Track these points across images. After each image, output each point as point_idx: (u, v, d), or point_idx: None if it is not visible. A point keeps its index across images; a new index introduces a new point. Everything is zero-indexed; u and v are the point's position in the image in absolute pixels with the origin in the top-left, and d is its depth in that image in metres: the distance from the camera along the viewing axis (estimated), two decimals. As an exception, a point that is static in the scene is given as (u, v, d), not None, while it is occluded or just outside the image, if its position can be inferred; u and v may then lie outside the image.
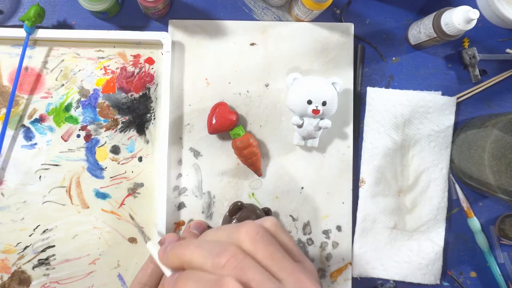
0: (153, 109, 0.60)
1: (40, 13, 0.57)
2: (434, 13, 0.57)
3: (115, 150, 0.59)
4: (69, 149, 0.59)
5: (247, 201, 0.60)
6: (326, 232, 0.60)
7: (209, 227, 0.58)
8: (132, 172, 0.59)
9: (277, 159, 0.61)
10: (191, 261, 0.34)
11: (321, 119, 0.57)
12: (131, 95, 0.60)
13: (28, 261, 0.57)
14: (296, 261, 0.34)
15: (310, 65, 0.62)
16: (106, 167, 0.59)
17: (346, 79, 0.62)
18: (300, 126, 0.57)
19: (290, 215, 0.60)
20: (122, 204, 0.59)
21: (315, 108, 0.55)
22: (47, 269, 0.57)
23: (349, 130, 0.61)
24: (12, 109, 0.59)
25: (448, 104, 0.62)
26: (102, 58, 0.60)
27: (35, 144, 0.59)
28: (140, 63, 0.61)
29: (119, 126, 0.60)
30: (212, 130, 0.58)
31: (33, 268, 0.57)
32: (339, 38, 0.62)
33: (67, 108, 0.60)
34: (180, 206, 0.60)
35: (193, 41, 0.61)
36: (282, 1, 0.61)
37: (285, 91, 0.61)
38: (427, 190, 0.61)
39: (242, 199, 0.60)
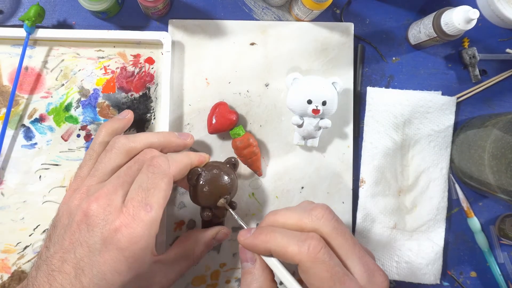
0: (153, 109, 0.60)
1: (40, 13, 0.57)
2: (434, 13, 0.57)
3: (115, 150, 0.59)
4: (69, 149, 0.59)
5: (247, 201, 0.60)
6: (326, 232, 0.60)
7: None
8: (132, 172, 0.59)
9: (277, 159, 0.61)
10: (276, 248, 0.38)
11: (321, 118, 0.57)
12: (131, 95, 0.60)
13: (28, 261, 0.57)
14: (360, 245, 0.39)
15: (310, 65, 0.62)
16: (106, 167, 0.59)
17: (346, 79, 0.62)
18: (300, 126, 0.57)
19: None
20: (122, 204, 0.59)
21: (315, 107, 0.55)
22: (47, 269, 0.57)
23: (349, 130, 0.61)
24: (12, 109, 0.59)
25: (448, 104, 0.62)
26: (102, 58, 0.60)
27: (35, 143, 0.59)
28: (140, 63, 0.61)
29: (119, 126, 0.60)
30: (212, 130, 0.58)
31: (33, 268, 0.57)
32: (339, 38, 0.62)
33: (67, 107, 0.60)
34: (180, 205, 0.60)
35: (193, 41, 0.61)
36: (282, 1, 0.61)
37: (285, 91, 0.61)
38: (427, 190, 0.61)
39: (242, 199, 0.60)
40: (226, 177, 0.50)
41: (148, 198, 0.39)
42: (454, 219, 0.62)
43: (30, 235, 0.58)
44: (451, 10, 0.54)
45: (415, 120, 0.62)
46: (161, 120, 0.58)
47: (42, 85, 0.60)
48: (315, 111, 0.56)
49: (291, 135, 0.61)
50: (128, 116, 0.52)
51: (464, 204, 0.62)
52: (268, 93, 0.61)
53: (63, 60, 0.60)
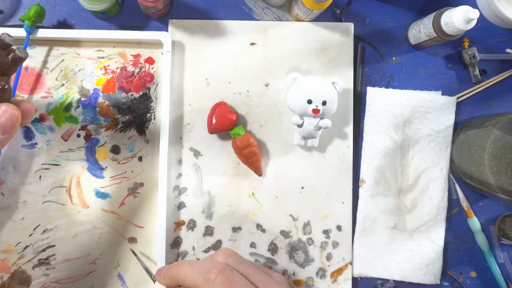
0: (153, 109, 0.60)
1: (40, 13, 0.57)
2: (434, 13, 0.57)
3: (115, 149, 0.59)
4: (69, 149, 0.59)
5: (247, 201, 0.60)
6: (326, 232, 0.60)
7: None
8: (132, 171, 0.59)
9: (277, 159, 0.61)
10: (185, 279, 0.40)
11: (321, 118, 0.57)
12: (131, 95, 0.60)
13: (28, 261, 0.57)
14: (267, 274, 0.42)
15: (310, 65, 0.62)
16: (106, 167, 0.59)
17: (346, 79, 0.62)
18: (300, 125, 0.57)
19: (290, 215, 0.60)
20: (122, 204, 0.59)
21: (315, 107, 0.55)
22: (47, 269, 0.57)
23: (349, 130, 0.61)
24: (12, 109, 0.58)
25: (448, 104, 0.62)
26: (102, 58, 0.60)
27: (35, 143, 0.59)
28: (140, 62, 0.61)
29: (119, 126, 0.60)
30: (212, 130, 0.58)
31: (33, 268, 0.57)
32: (339, 38, 0.62)
33: (67, 107, 0.60)
34: (180, 206, 0.60)
35: (193, 41, 0.61)
36: (282, 1, 0.61)
37: (285, 90, 0.61)
38: (427, 190, 0.61)
39: (242, 199, 0.60)
40: None
41: None
42: (454, 219, 0.62)
43: (30, 235, 0.58)
44: (451, 10, 0.54)
45: (415, 120, 0.62)
46: (161, 120, 0.58)
47: (42, 85, 0.60)
48: (315, 111, 0.56)
49: (291, 135, 0.61)
50: None
51: (464, 204, 0.62)
52: (268, 93, 0.61)
53: (63, 60, 0.60)
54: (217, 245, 0.60)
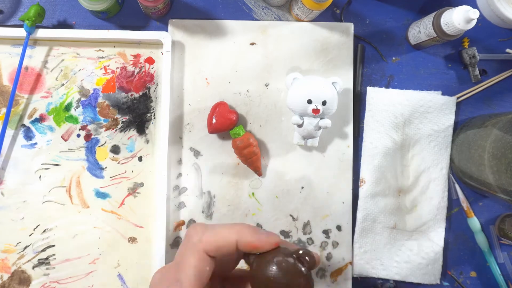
0: (153, 109, 0.60)
1: (40, 13, 0.57)
2: (434, 13, 0.57)
3: (115, 149, 0.59)
4: (69, 149, 0.59)
5: (247, 201, 0.60)
6: (326, 232, 0.60)
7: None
8: (132, 171, 0.59)
9: (277, 158, 0.61)
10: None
11: (321, 118, 0.57)
12: (131, 95, 0.60)
13: (28, 260, 0.57)
14: None
15: (310, 65, 0.62)
16: (106, 167, 0.59)
17: (346, 79, 0.62)
18: (300, 125, 0.57)
19: (290, 215, 0.60)
20: (122, 203, 0.59)
21: (315, 107, 0.55)
22: (47, 268, 0.57)
23: (349, 129, 0.61)
24: (12, 109, 0.59)
25: (448, 104, 0.62)
26: (102, 57, 0.60)
27: (35, 143, 0.59)
28: (140, 62, 0.61)
29: (119, 126, 0.60)
30: (212, 129, 0.58)
31: (33, 267, 0.57)
32: (339, 38, 0.62)
33: (67, 107, 0.60)
34: (180, 205, 0.60)
35: (193, 41, 0.61)
36: (282, 1, 0.61)
37: (285, 90, 0.61)
38: (427, 190, 0.61)
39: (242, 199, 0.60)
40: (301, 273, 0.33)
41: (178, 273, 0.34)
42: (454, 219, 0.62)
43: (30, 235, 0.58)
44: (451, 10, 0.54)
45: (415, 120, 0.62)
46: (161, 120, 0.58)
47: (42, 85, 0.60)
48: (315, 111, 0.56)
49: (291, 135, 0.61)
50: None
51: (464, 204, 0.62)
52: (268, 93, 0.61)
53: (63, 60, 0.60)
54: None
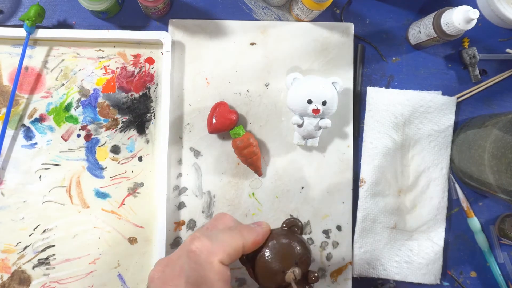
0: (153, 109, 0.60)
1: (40, 13, 0.57)
2: (434, 13, 0.57)
3: (115, 149, 0.59)
4: (69, 149, 0.59)
5: (247, 201, 0.60)
6: (326, 232, 0.60)
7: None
8: (132, 171, 0.59)
9: (277, 158, 0.61)
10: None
11: (321, 118, 0.57)
12: (131, 95, 0.60)
13: (28, 260, 0.57)
14: None
15: (310, 65, 0.62)
16: (106, 167, 0.59)
17: (346, 79, 0.62)
18: (300, 125, 0.57)
19: (290, 215, 0.60)
20: (122, 203, 0.59)
21: (315, 107, 0.55)
22: (47, 268, 0.57)
23: (349, 129, 0.61)
24: (12, 109, 0.59)
25: (448, 104, 0.62)
26: (102, 57, 0.60)
27: (35, 143, 0.59)
28: (140, 62, 0.61)
29: (119, 126, 0.60)
30: (212, 129, 0.58)
31: (33, 267, 0.57)
32: (339, 38, 0.62)
33: (67, 107, 0.60)
34: (180, 205, 0.60)
35: (193, 41, 0.61)
36: (282, 1, 0.61)
37: (285, 90, 0.61)
38: (427, 190, 0.61)
39: (242, 199, 0.60)
40: (290, 245, 0.38)
41: None
42: (454, 219, 0.62)
43: (30, 235, 0.58)
44: (451, 10, 0.54)
45: (415, 120, 0.62)
46: (161, 120, 0.58)
47: (42, 85, 0.60)
48: (315, 111, 0.56)
49: (291, 135, 0.61)
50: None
51: (464, 204, 0.62)
52: (268, 93, 0.61)
53: (63, 60, 0.60)
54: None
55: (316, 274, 0.38)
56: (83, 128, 0.59)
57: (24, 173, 0.58)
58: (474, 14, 0.52)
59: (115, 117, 0.60)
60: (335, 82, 0.57)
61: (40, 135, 0.59)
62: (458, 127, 0.63)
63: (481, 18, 0.64)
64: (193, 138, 0.61)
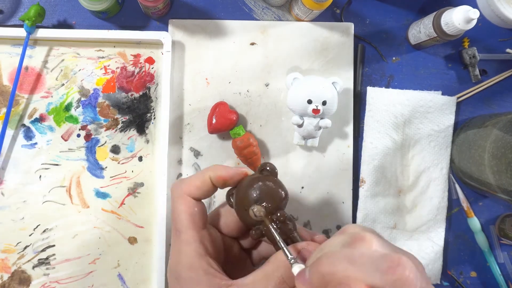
0: (153, 109, 0.60)
1: (40, 13, 0.57)
2: (434, 13, 0.57)
3: (115, 149, 0.59)
4: (69, 149, 0.59)
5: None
6: (326, 232, 0.60)
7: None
8: (132, 171, 0.59)
9: (277, 158, 0.61)
10: (348, 281, 0.26)
11: (321, 118, 0.57)
12: (131, 95, 0.60)
13: (28, 260, 0.57)
14: None
15: (310, 65, 0.62)
16: (106, 167, 0.59)
17: (346, 79, 0.62)
18: (300, 125, 0.57)
19: (290, 215, 0.60)
20: (122, 203, 0.59)
21: (315, 107, 0.55)
22: (47, 268, 0.57)
23: (349, 129, 0.61)
24: (12, 109, 0.59)
25: (448, 104, 0.62)
26: (102, 57, 0.60)
27: (35, 143, 0.59)
28: (140, 62, 0.61)
29: (119, 126, 0.60)
30: (212, 129, 0.58)
31: (33, 267, 0.57)
32: (339, 37, 0.62)
33: (67, 107, 0.60)
34: (180, 205, 0.60)
35: (193, 41, 0.61)
36: (282, 0, 0.61)
37: (285, 90, 0.61)
38: (427, 190, 0.61)
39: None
40: (257, 183, 0.39)
41: (175, 225, 0.38)
42: (454, 219, 0.62)
43: (30, 235, 0.58)
44: (451, 10, 0.54)
45: (415, 120, 0.62)
46: (161, 119, 0.58)
47: (42, 85, 0.60)
48: (315, 111, 0.56)
49: (291, 135, 0.61)
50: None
51: (464, 204, 0.62)
52: (268, 93, 0.61)
53: (63, 60, 0.60)
54: (217, 245, 0.59)
55: (284, 214, 0.39)
56: (83, 128, 0.59)
57: (24, 173, 0.58)
58: (474, 14, 0.52)
59: (115, 117, 0.60)
60: (335, 82, 0.57)
61: (40, 135, 0.59)
62: (458, 127, 0.63)
63: (481, 18, 0.64)
64: (193, 138, 0.61)
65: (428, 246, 0.60)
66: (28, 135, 0.59)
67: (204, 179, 0.39)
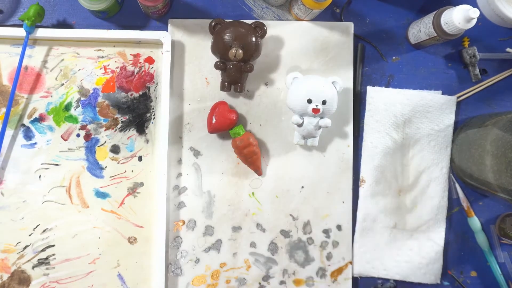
0: (153, 109, 0.60)
1: (39, 13, 0.57)
2: (434, 12, 0.57)
3: (115, 149, 0.59)
4: (69, 149, 0.59)
5: (247, 200, 0.60)
6: (326, 232, 0.60)
7: None
8: (132, 171, 0.59)
9: (277, 158, 0.61)
10: None
11: (321, 118, 0.57)
12: (131, 94, 0.60)
13: (28, 260, 0.57)
14: None
15: (310, 64, 0.62)
16: (106, 167, 0.59)
17: (346, 78, 0.61)
18: (300, 125, 0.57)
19: (290, 215, 0.60)
20: (122, 203, 0.59)
21: (315, 107, 0.55)
22: (47, 268, 0.57)
23: (349, 129, 0.61)
24: (12, 109, 0.58)
25: (448, 104, 0.62)
26: (102, 57, 0.60)
27: (35, 143, 0.59)
28: (140, 62, 0.61)
29: (119, 126, 0.60)
30: (212, 129, 0.58)
31: (33, 267, 0.57)
32: (339, 37, 0.62)
33: (67, 107, 0.60)
34: (180, 205, 0.60)
35: (193, 41, 0.61)
36: (282, 0, 0.61)
37: (285, 90, 0.61)
38: (427, 190, 0.61)
39: (242, 199, 0.60)
40: (242, 29, 0.55)
41: None
42: (455, 219, 0.62)
43: (30, 235, 0.58)
44: (451, 9, 0.54)
45: (415, 120, 0.62)
46: (161, 119, 0.58)
47: (42, 85, 0.60)
48: (315, 110, 0.56)
49: (291, 135, 0.61)
50: None
51: (465, 203, 0.62)
52: (268, 93, 0.61)
53: (62, 60, 0.60)
54: (217, 245, 0.59)
55: (252, 65, 0.56)
56: (82, 127, 0.59)
57: (24, 173, 0.58)
58: (474, 13, 0.52)
59: (115, 116, 0.60)
60: (335, 82, 0.57)
61: (39, 135, 0.59)
62: (458, 126, 0.63)
63: (481, 17, 0.64)
64: (193, 137, 0.61)
65: (428, 245, 0.60)
66: (28, 135, 0.59)
67: None
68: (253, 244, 0.60)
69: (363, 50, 0.63)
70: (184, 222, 0.60)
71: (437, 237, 0.61)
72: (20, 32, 0.57)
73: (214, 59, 0.60)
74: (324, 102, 0.56)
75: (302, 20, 0.62)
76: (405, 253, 0.60)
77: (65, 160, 0.59)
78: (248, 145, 0.57)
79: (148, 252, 0.59)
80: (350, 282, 0.60)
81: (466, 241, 0.62)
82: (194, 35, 0.61)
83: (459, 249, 0.62)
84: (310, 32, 0.62)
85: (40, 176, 0.58)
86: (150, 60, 0.61)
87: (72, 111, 0.59)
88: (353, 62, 0.62)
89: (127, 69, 0.60)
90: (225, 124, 0.58)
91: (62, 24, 0.61)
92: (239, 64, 0.56)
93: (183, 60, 0.61)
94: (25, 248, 0.57)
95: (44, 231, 0.58)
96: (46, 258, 0.58)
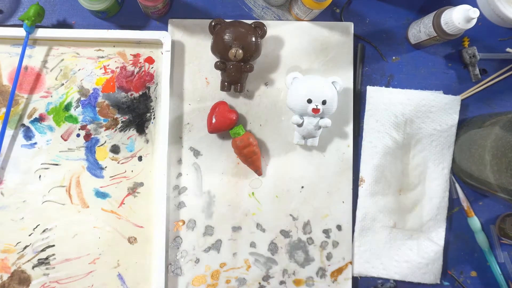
0: (153, 109, 0.60)
1: (39, 13, 0.57)
2: (434, 12, 0.57)
3: (115, 149, 0.59)
4: (69, 149, 0.59)
5: (247, 200, 0.60)
6: (326, 231, 0.60)
7: None
8: (132, 171, 0.59)
9: (277, 158, 0.61)
10: None
11: (321, 118, 0.57)
12: (131, 95, 0.60)
13: (28, 260, 0.57)
14: None
15: (310, 64, 0.62)
16: (106, 167, 0.59)
17: (346, 78, 0.61)
18: (300, 125, 0.57)
19: (290, 215, 0.60)
20: (122, 203, 0.59)
21: (315, 107, 0.55)
22: (47, 268, 0.57)
23: (349, 129, 0.61)
24: (12, 109, 0.59)
25: (452, 104, 0.61)
26: (102, 57, 0.60)
27: (35, 143, 0.59)
28: (140, 62, 0.61)
29: (119, 126, 0.60)
30: (212, 129, 0.58)
31: (33, 267, 0.57)
32: (339, 37, 0.62)
33: (67, 107, 0.60)
34: (180, 205, 0.60)
35: (193, 41, 0.61)
36: (282, 0, 0.61)
37: (285, 90, 0.61)
38: (428, 190, 0.61)
39: (242, 198, 0.60)
40: (242, 29, 0.55)
41: None
42: (455, 219, 0.62)
43: (30, 235, 0.58)
44: (451, 9, 0.54)
45: (416, 120, 0.62)
46: (161, 119, 0.58)
47: (41, 85, 0.60)
48: (315, 110, 0.56)
49: (291, 135, 0.61)
50: None
51: (465, 203, 0.62)
52: (268, 93, 0.61)
53: (62, 60, 0.60)
54: (217, 245, 0.59)
55: (252, 65, 0.56)
56: (82, 127, 0.59)
57: (24, 173, 0.58)
58: (474, 13, 0.52)
59: (115, 116, 0.60)
60: (335, 82, 0.57)
61: (39, 134, 0.59)
62: (458, 126, 0.62)
63: (481, 17, 0.64)
64: (193, 137, 0.61)
65: (428, 245, 0.60)
66: (28, 135, 0.59)
67: None
68: (253, 244, 0.60)
69: (363, 50, 0.63)
70: (184, 222, 0.60)
71: (437, 237, 0.61)
72: (20, 32, 0.57)
73: (214, 59, 0.60)
74: (324, 102, 0.56)
75: (302, 20, 0.62)
76: (404, 253, 0.60)
77: (65, 160, 0.59)
78: (248, 145, 0.57)
79: (148, 252, 0.59)
80: (350, 282, 0.60)
81: (466, 241, 0.62)
82: (194, 35, 0.61)
83: (459, 249, 0.62)
84: (310, 32, 0.62)
85: (40, 176, 0.58)
86: (150, 60, 0.61)
87: (72, 111, 0.59)
88: (353, 62, 0.62)
89: (127, 69, 0.60)
90: (225, 124, 0.58)
91: (62, 24, 0.61)
92: (239, 64, 0.56)
93: (183, 60, 0.61)
94: (25, 248, 0.58)
95: (44, 231, 0.58)
96: (46, 258, 0.58)
